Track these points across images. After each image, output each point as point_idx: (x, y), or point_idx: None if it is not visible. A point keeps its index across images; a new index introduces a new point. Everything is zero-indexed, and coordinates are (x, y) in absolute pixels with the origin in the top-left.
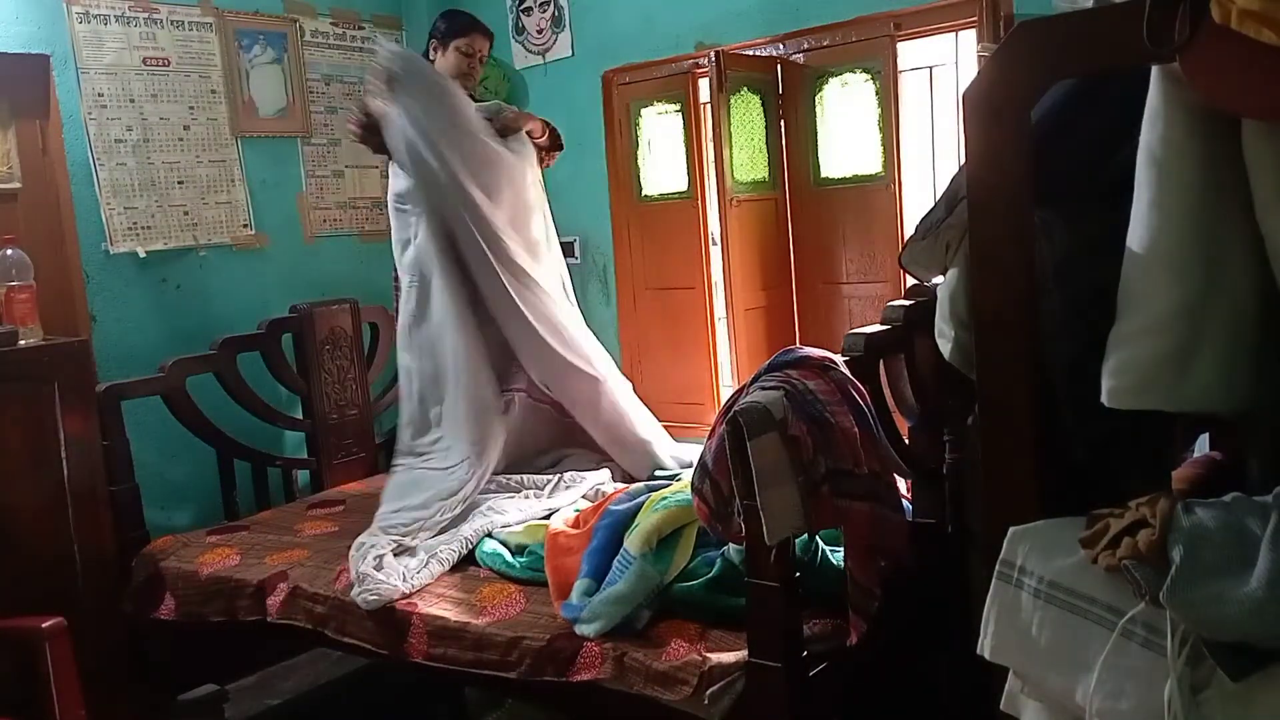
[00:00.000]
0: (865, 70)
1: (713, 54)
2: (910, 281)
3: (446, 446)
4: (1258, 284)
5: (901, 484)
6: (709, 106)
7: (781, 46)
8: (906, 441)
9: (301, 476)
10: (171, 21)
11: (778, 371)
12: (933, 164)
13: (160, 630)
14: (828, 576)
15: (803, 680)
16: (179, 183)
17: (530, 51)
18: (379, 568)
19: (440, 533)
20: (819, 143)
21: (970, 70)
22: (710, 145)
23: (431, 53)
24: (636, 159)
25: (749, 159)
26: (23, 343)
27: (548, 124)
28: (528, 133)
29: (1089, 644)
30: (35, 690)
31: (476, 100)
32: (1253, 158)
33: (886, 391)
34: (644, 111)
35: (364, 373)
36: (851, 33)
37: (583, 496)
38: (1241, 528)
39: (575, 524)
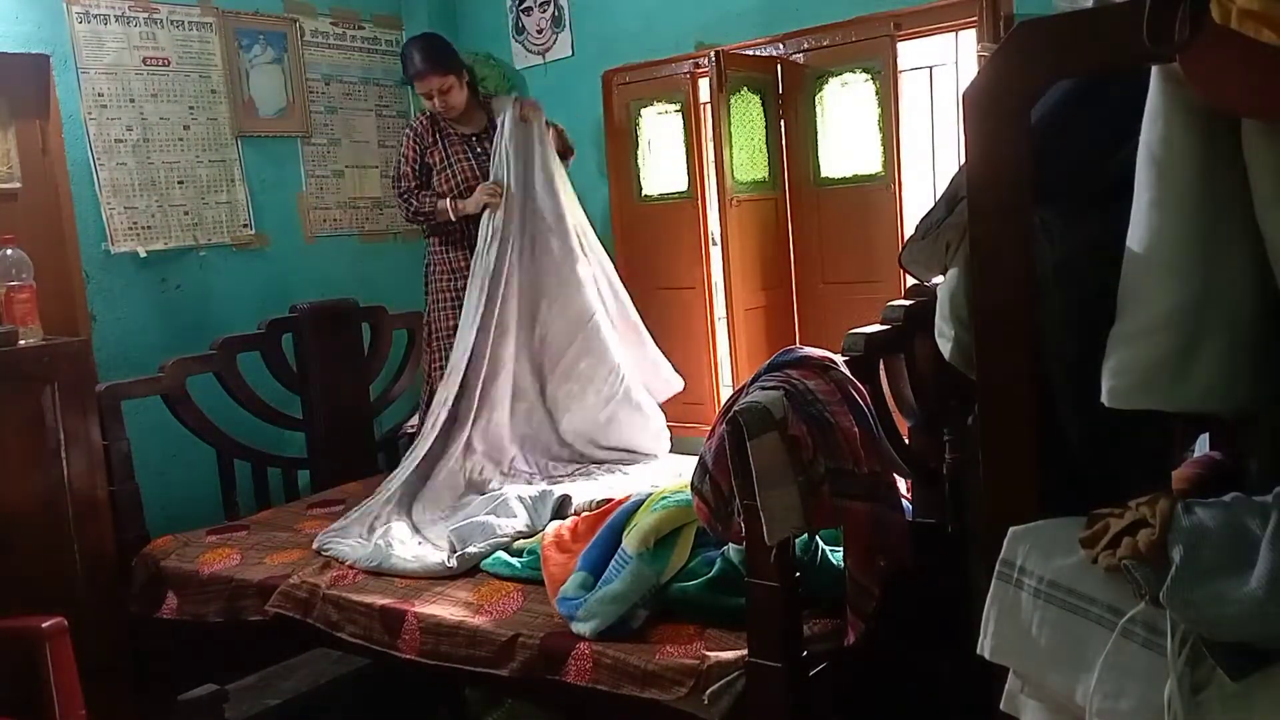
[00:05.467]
0: (865, 70)
1: (713, 54)
2: (910, 281)
3: None
4: (1258, 284)
5: (901, 484)
6: (709, 106)
7: (781, 46)
8: (906, 441)
9: (301, 476)
10: (171, 21)
11: (778, 371)
12: (933, 164)
13: (161, 630)
14: (828, 576)
15: (803, 680)
16: (179, 183)
17: (530, 51)
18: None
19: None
20: (819, 143)
21: (970, 70)
22: (710, 145)
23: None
24: (636, 159)
25: (749, 159)
26: (23, 343)
27: (559, 130)
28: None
29: (1089, 644)
30: (35, 690)
31: (467, 122)
32: (1253, 158)
33: (886, 391)
34: (644, 111)
35: (364, 372)
36: (851, 33)
37: (574, 513)
38: (1241, 528)
39: (572, 531)
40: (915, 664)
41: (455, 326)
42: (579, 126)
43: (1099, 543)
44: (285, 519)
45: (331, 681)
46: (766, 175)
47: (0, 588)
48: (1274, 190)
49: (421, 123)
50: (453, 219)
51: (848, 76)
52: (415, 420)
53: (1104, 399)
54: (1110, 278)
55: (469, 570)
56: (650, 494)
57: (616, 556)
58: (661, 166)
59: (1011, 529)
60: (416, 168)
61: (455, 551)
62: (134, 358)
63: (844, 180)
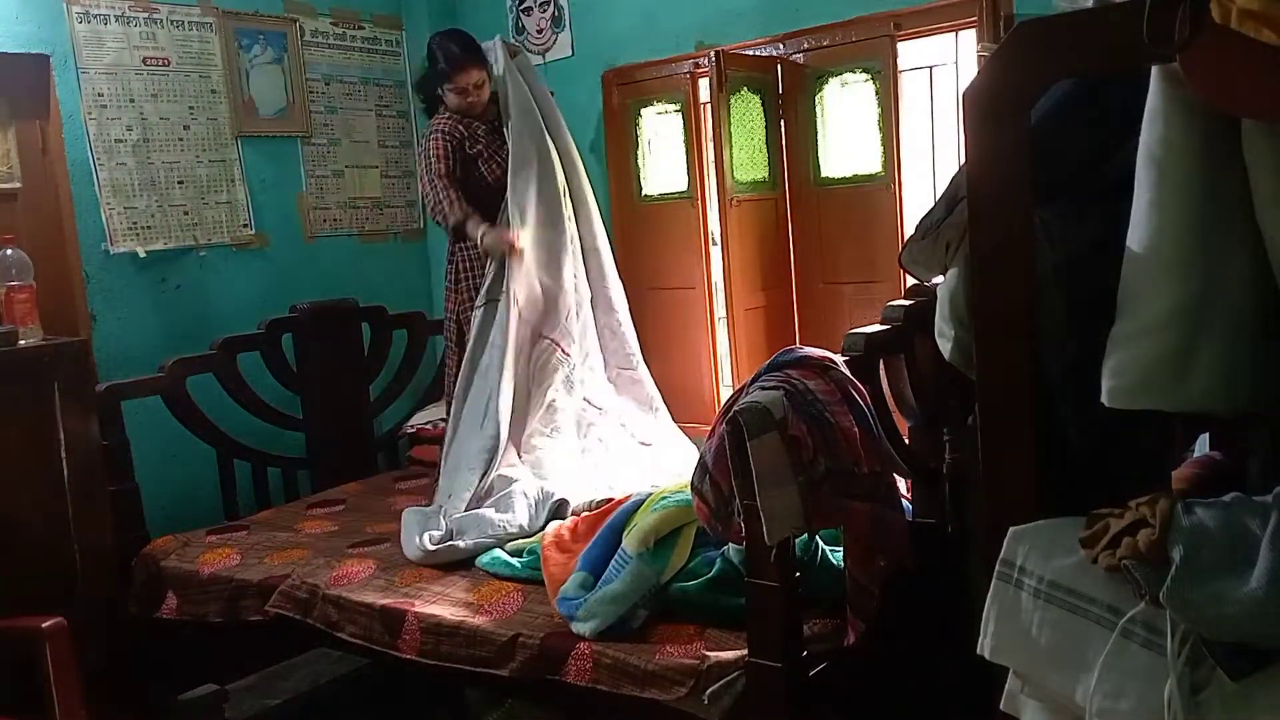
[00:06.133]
0: (865, 70)
1: (713, 54)
2: (910, 281)
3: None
4: (1257, 284)
5: (901, 484)
6: (709, 106)
7: (781, 46)
8: (906, 441)
9: (301, 476)
10: (171, 21)
11: (778, 371)
12: (933, 164)
13: (161, 630)
14: (828, 576)
15: (803, 680)
16: (179, 183)
17: (530, 51)
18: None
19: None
20: (819, 143)
21: (970, 70)
22: (710, 145)
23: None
24: (636, 159)
25: (749, 159)
26: (23, 343)
27: None
28: None
29: (1089, 644)
30: (35, 690)
31: (494, 121)
32: (1253, 158)
33: (886, 391)
34: (644, 111)
35: (363, 372)
36: (851, 32)
37: (573, 513)
38: (1241, 528)
39: (572, 531)
40: (915, 664)
41: None
42: (579, 126)
43: (1099, 543)
44: (285, 519)
45: (331, 681)
46: (766, 175)
47: (0, 588)
48: (1274, 190)
49: (445, 120)
50: (479, 244)
51: (848, 76)
52: (415, 420)
53: (1104, 399)
54: (1110, 278)
55: (469, 570)
56: (650, 494)
57: (616, 556)
58: (661, 166)
59: (1011, 529)
60: (451, 164)
61: (449, 540)
62: (134, 358)
63: (844, 180)
